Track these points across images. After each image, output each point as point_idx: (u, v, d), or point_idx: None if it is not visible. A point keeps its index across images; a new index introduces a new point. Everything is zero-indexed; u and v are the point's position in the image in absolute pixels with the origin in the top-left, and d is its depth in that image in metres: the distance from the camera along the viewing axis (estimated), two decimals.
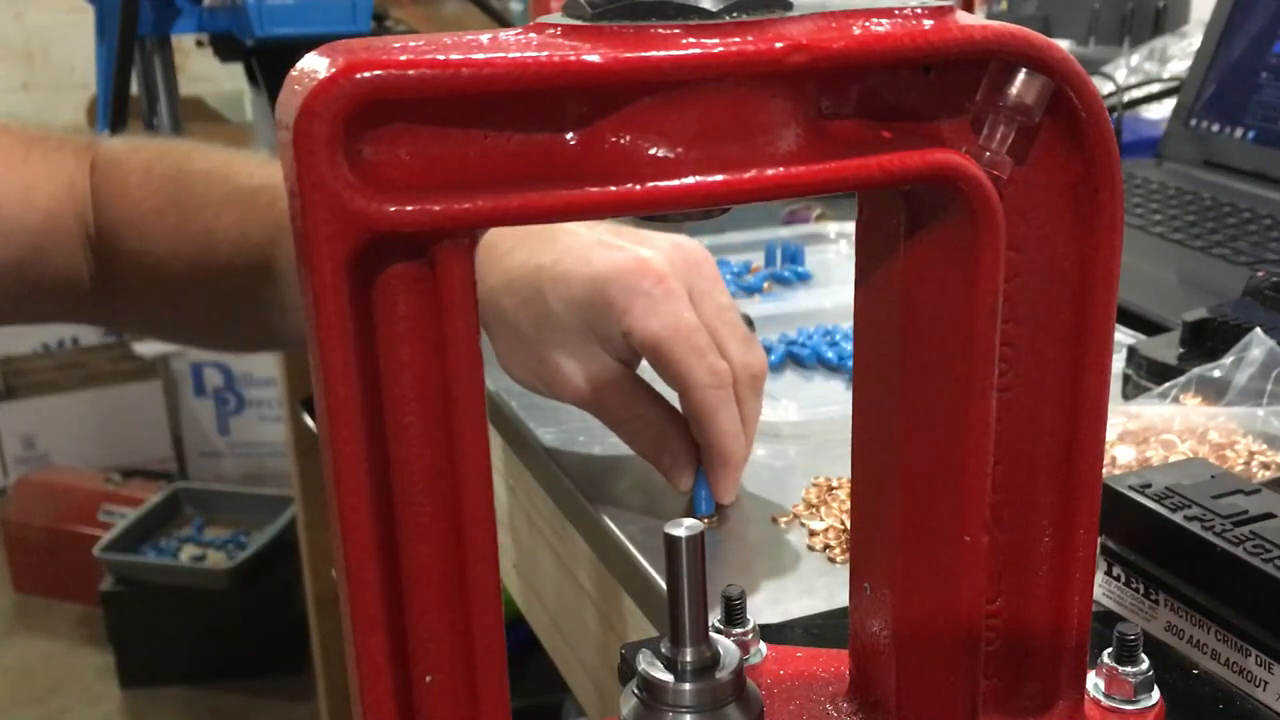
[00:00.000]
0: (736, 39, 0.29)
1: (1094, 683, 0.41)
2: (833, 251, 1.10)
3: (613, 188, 0.29)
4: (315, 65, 0.28)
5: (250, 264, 0.75)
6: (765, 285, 1.02)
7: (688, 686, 0.35)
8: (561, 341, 0.65)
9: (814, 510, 0.66)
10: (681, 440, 0.64)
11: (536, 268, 0.66)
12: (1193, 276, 1.00)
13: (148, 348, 3.10)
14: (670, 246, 0.66)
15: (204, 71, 2.68)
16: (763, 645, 0.43)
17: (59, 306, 0.83)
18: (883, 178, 0.32)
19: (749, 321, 0.72)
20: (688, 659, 0.35)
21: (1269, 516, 0.50)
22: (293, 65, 0.29)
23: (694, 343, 0.62)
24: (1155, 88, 1.48)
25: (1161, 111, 1.41)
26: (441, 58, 0.28)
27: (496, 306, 0.67)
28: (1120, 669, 0.41)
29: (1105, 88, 1.38)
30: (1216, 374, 0.69)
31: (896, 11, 0.31)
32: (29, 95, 3.28)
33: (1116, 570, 0.53)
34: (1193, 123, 1.26)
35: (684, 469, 0.64)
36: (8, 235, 0.75)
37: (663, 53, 0.29)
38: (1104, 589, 0.54)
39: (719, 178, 0.30)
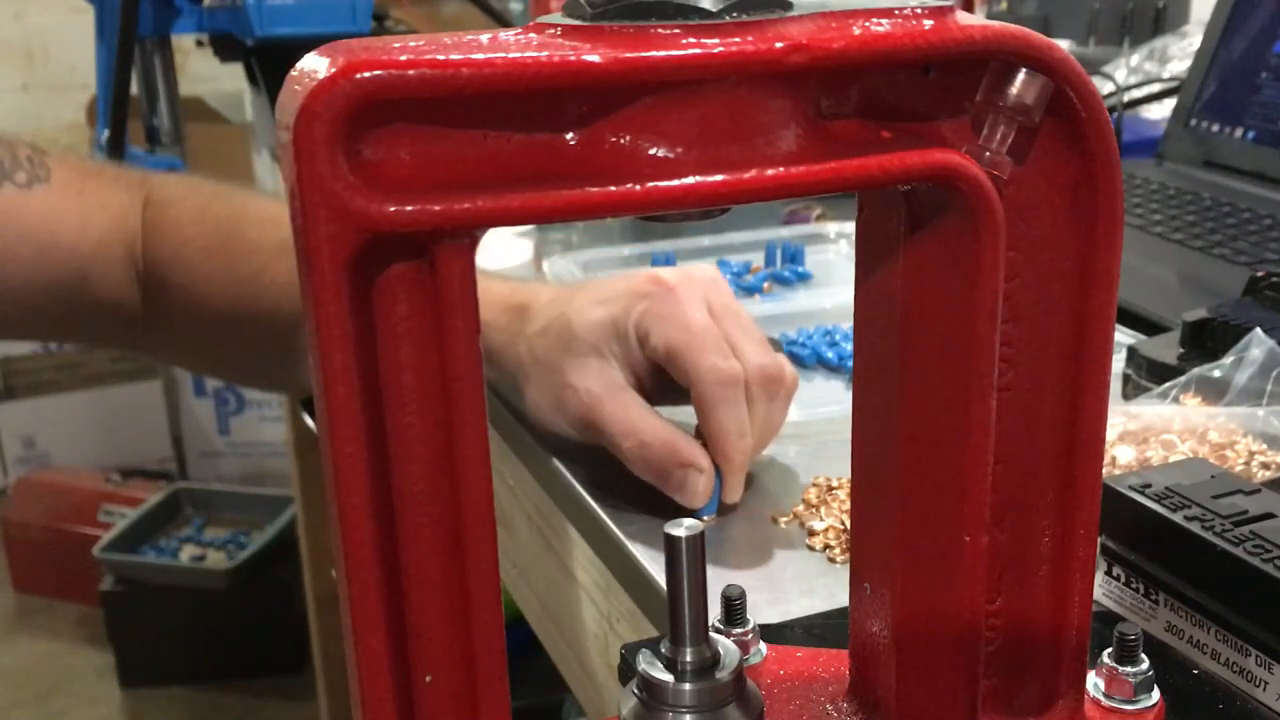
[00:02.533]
0: (736, 39, 0.29)
1: (1094, 683, 0.41)
2: (833, 251, 1.10)
3: (613, 188, 0.29)
4: (315, 65, 0.28)
5: (297, 313, 0.78)
6: (765, 285, 1.02)
7: (688, 686, 0.35)
8: (581, 365, 0.67)
9: (814, 510, 0.66)
10: (690, 456, 0.64)
11: (565, 308, 0.70)
12: (1193, 276, 1.00)
13: None
14: (685, 269, 0.71)
15: (204, 71, 2.68)
16: (763, 645, 0.43)
17: (105, 331, 0.86)
18: (883, 178, 0.32)
19: (775, 344, 0.73)
20: (688, 659, 0.35)
21: (1269, 516, 0.50)
22: (293, 65, 0.29)
23: (704, 341, 0.64)
24: (1155, 88, 1.48)
25: (1161, 111, 1.41)
26: (441, 58, 0.28)
27: (532, 350, 0.70)
28: (1120, 669, 0.41)
29: (1105, 88, 1.38)
30: (1216, 374, 0.69)
31: (896, 11, 0.31)
32: (29, 95, 3.28)
33: (1116, 570, 0.53)
34: (1193, 123, 1.26)
35: (693, 485, 0.64)
36: (60, 261, 0.79)
37: (663, 53, 0.29)
38: (1104, 589, 0.54)
39: (719, 178, 0.30)
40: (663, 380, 0.67)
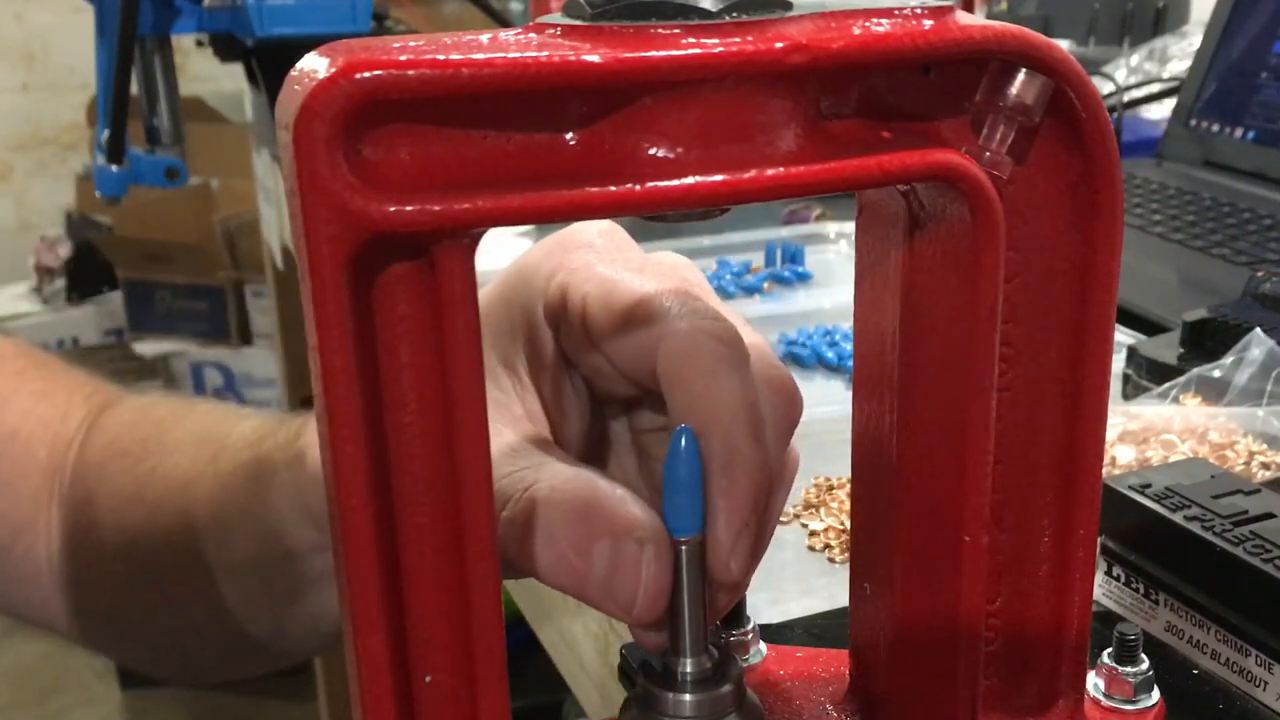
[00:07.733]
0: (736, 39, 0.29)
1: (1094, 683, 0.41)
2: (833, 251, 1.10)
3: (613, 188, 0.29)
4: (315, 65, 0.28)
5: (195, 525, 0.57)
6: (765, 285, 1.02)
7: (687, 698, 0.35)
8: None
9: (814, 510, 0.66)
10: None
11: None
12: (1193, 276, 1.00)
13: (148, 347, 3.09)
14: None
15: (204, 71, 2.68)
16: (763, 645, 0.43)
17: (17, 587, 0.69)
18: (883, 178, 0.32)
19: None
20: (687, 670, 0.35)
21: (1269, 516, 0.50)
22: (293, 65, 0.28)
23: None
24: (1155, 88, 1.48)
25: (1161, 111, 1.41)
26: (441, 58, 0.28)
27: None
28: (1120, 669, 0.41)
29: (1105, 88, 1.38)
30: (1216, 374, 0.69)
31: (896, 11, 0.31)
32: (29, 95, 3.28)
33: (1116, 570, 0.53)
34: (1193, 123, 1.26)
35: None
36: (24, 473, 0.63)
37: (663, 53, 0.29)
38: (1104, 589, 0.54)
39: (719, 178, 0.30)
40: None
